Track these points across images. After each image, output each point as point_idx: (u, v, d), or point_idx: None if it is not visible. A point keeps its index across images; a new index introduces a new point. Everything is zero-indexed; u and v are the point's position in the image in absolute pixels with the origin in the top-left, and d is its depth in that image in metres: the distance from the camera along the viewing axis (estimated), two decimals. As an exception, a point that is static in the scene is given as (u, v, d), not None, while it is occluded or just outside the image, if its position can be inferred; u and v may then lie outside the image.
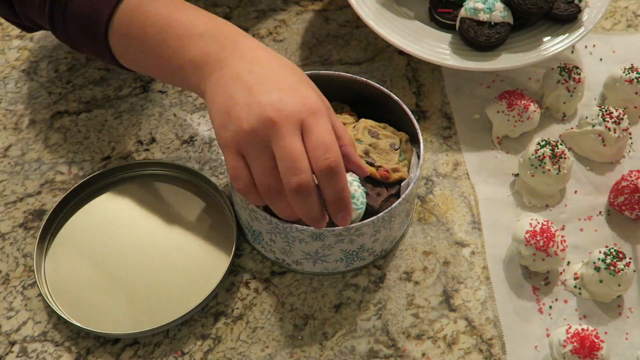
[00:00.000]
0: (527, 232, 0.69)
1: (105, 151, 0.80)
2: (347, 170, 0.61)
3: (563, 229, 0.75)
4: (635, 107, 0.84)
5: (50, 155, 0.79)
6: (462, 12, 0.83)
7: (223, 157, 0.70)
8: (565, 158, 0.74)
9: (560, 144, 0.75)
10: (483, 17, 0.81)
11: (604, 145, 0.78)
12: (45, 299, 0.67)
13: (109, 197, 0.75)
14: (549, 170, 0.74)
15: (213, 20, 0.66)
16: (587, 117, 0.79)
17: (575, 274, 0.71)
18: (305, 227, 0.65)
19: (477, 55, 0.82)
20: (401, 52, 0.90)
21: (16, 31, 0.91)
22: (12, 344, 0.66)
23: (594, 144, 0.79)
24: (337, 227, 0.64)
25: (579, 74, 0.82)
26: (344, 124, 0.73)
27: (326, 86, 0.75)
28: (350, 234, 0.65)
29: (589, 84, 0.87)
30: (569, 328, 0.64)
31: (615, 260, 0.67)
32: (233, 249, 0.70)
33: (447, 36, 0.85)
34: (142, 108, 0.84)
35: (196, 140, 0.81)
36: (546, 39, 0.83)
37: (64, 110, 0.83)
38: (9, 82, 0.86)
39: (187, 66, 0.64)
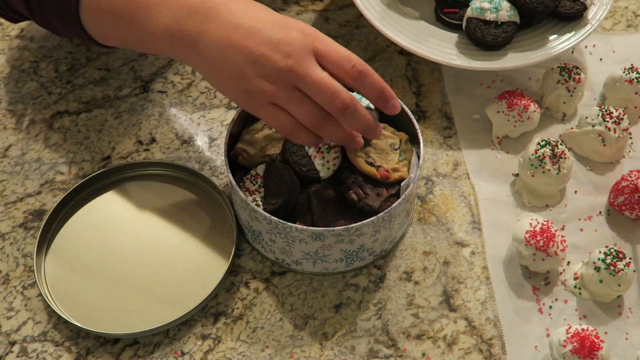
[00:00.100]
0: (527, 232, 0.69)
1: (105, 151, 0.80)
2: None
3: (563, 229, 0.75)
4: (635, 107, 0.83)
5: (50, 155, 0.79)
6: (469, 12, 0.82)
7: (223, 158, 0.70)
8: (565, 158, 0.74)
9: (560, 144, 0.75)
10: (490, 16, 0.81)
11: (604, 145, 0.78)
12: (45, 299, 0.67)
13: (109, 197, 0.75)
14: (549, 170, 0.74)
15: None
16: (587, 117, 0.79)
17: (575, 274, 0.71)
18: (305, 227, 0.65)
19: (484, 54, 0.82)
20: (401, 52, 0.90)
21: (16, 31, 0.91)
22: (12, 344, 0.66)
23: (594, 144, 0.79)
24: (337, 227, 0.64)
25: (579, 74, 0.82)
26: None
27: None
28: (350, 234, 0.65)
29: (589, 84, 0.87)
30: (569, 328, 0.64)
31: (615, 260, 0.67)
32: (233, 249, 0.70)
33: (454, 36, 0.84)
34: (142, 108, 0.84)
35: (196, 140, 0.81)
36: (552, 37, 0.83)
37: (64, 110, 0.83)
38: (9, 82, 0.86)
39: (161, 36, 0.64)
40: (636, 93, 0.82)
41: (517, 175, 0.79)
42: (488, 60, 0.81)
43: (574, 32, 0.83)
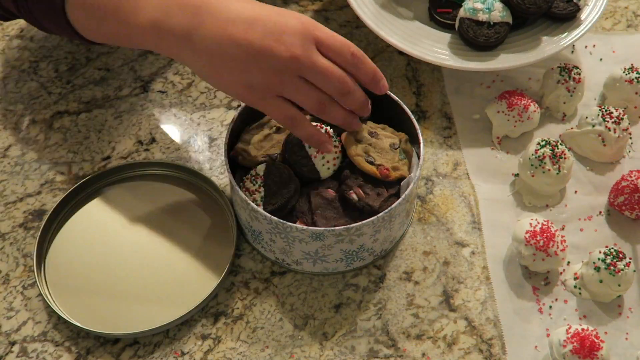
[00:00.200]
0: (527, 232, 0.69)
1: (105, 151, 0.80)
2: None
3: (563, 229, 0.75)
4: (635, 107, 0.83)
5: (50, 155, 0.79)
6: (461, 12, 0.82)
7: (223, 158, 0.70)
8: (565, 158, 0.74)
9: (560, 144, 0.75)
10: (482, 17, 0.81)
11: (604, 145, 0.78)
12: (45, 299, 0.67)
13: (109, 197, 0.75)
14: (549, 170, 0.74)
15: None
16: (587, 117, 0.79)
17: (575, 274, 0.71)
18: (305, 227, 0.65)
19: (477, 55, 0.82)
20: (401, 52, 0.90)
21: (16, 31, 0.91)
22: (12, 344, 0.66)
23: (594, 144, 0.79)
24: (337, 227, 0.64)
25: (579, 74, 0.82)
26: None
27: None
28: (350, 234, 0.65)
29: (589, 84, 0.86)
30: (569, 328, 0.64)
31: (615, 260, 0.67)
32: (233, 249, 0.70)
33: (447, 36, 0.85)
34: (142, 108, 0.84)
35: (196, 140, 0.81)
36: (545, 38, 0.83)
37: (64, 110, 0.83)
38: (9, 82, 0.86)
39: (149, 29, 0.63)
40: (636, 93, 0.82)
41: (517, 175, 0.79)
42: (481, 61, 0.81)
43: (566, 33, 0.83)
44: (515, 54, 0.82)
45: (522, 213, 0.76)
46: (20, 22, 0.92)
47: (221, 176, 0.78)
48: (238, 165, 0.72)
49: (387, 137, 0.73)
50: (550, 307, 0.70)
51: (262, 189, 0.69)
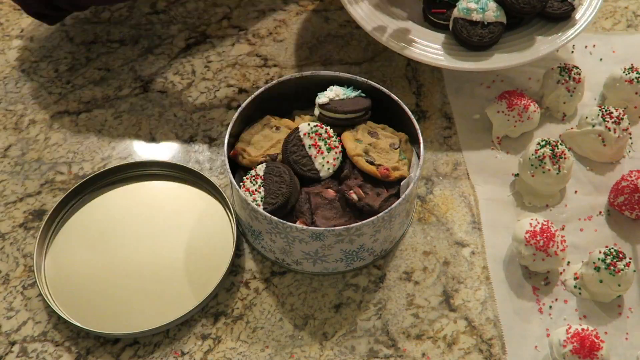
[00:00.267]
0: (527, 232, 0.69)
1: (105, 151, 0.80)
2: None
3: (563, 229, 0.75)
4: (635, 107, 0.83)
5: (50, 155, 0.79)
6: (455, 12, 0.82)
7: (223, 158, 0.70)
8: (565, 158, 0.74)
9: (560, 144, 0.75)
10: (476, 17, 0.81)
11: (604, 145, 0.78)
12: (45, 299, 0.67)
13: (109, 197, 0.75)
14: (549, 170, 0.74)
15: None
16: (587, 117, 0.79)
17: (575, 274, 0.71)
18: (305, 227, 0.65)
19: (471, 55, 0.82)
20: (401, 52, 0.90)
21: (16, 31, 0.91)
22: (12, 344, 0.66)
23: (594, 144, 0.79)
24: (337, 227, 0.64)
25: (579, 74, 0.82)
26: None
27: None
28: (350, 234, 0.65)
29: (589, 84, 0.86)
30: (569, 328, 0.64)
31: (615, 260, 0.67)
32: (233, 249, 0.70)
33: (441, 36, 0.84)
34: (142, 108, 0.84)
35: (196, 140, 0.81)
36: (540, 38, 0.83)
37: (64, 110, 0.83)
38: (9, 82, 0.86)
39: None
40: (636, 93, 0.82)
41: (517, 175, 0.79)
42: (475, 61, 0.81)
43: (561, 33, 0.83)
44: (510, 54, 0.82)
45: (522, 213, 0.76)
46: (21, 23, 0.92)
47: (221, 176, 0.78)
48: (238, 165, 0.72)
49: (387, 137, 0.73)
50: (550, 307, 0.70)
51: (262, 189, 0.69)
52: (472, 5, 0.81)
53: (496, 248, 0.73)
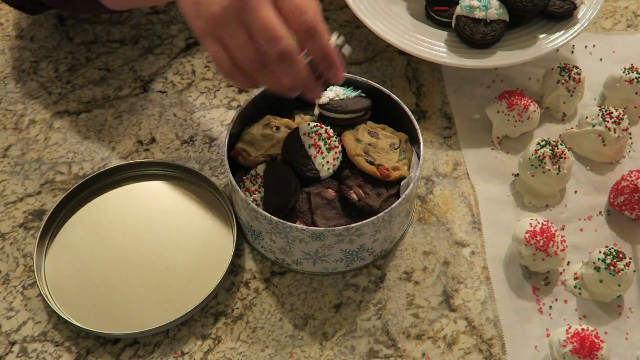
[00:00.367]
0: (527, 232, 0.69)
1: (105, 151, 0.80)
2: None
3: (563, 229, 0.75)
4: (635, 107, 0.83)
5: (50, 155, 0.79)
6: (458, 10, 0.82)
7: (223, 158, 0.70)
8: (565, 158, 0.74)
9: (560, 144, 0.75)
10: (479, 14, 0.81)
11: (604, 145, 0.78)
12: (45, 299, 0.67)
13: (109, 197, 0.75)
14: (549, 170, 0.74)
15: None
16: (587, 117, 0.79)
17: (575, 274, 0.71)
18: (305, 227, 0.65)
19: (473, 52, 0.82)
20: (401, 52, 0.90)
21: (16, 31, 0.91)
22: (12, 344, 0.66)
23: (594, 144, 0.79)
24: (337, 227, 0.64)
25: (579, 74, 0.82)
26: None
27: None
28: (350, 234, 0.65)
29: (589, 84, 0.86)
30: (569, 328, 0.64)
31: (615, 260, 0.67)
32: (233, 249, 0.70)
33: (443, 34, 0.84)
34: (142, 108, 0.84)
35: (196, 140, 0.81)
36: (542, 36, 0.83)
37: (64, 110, 0.83)
38: (9, 82, 0.86)
39: None
40: (636, 93, 0.82)
41: (517, 175, 0.79)
42: (477, 58, 0.81)
43: (563, 31, 0.83)
44: (512, 52, 0.82)
45: (522, 213, 0.76)
46: (21, 22, 0.92)
47: (221, 176, 0.78)
48: (238, 165, 0.72)
49: (387, 137, 0.73)
50: (550, 307, 0.70)
51: (262, 189, 0.69)
52: (475, 3, 0.81)
53: (496, 248, 0.73)
